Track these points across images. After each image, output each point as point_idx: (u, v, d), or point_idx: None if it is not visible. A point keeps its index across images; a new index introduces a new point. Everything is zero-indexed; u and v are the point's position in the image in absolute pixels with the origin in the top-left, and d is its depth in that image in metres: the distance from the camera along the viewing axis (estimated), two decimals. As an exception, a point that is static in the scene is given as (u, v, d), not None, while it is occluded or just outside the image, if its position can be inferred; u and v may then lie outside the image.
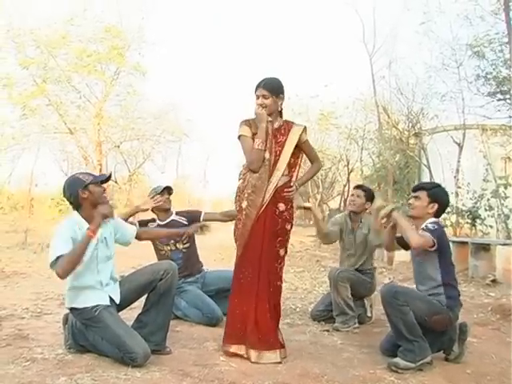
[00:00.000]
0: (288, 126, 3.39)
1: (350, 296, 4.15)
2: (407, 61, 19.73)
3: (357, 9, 20.56)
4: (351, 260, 4.38)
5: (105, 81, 15.10)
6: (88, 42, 14.67)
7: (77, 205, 3.13)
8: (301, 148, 3.41)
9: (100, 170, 15.31)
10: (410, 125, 13.61)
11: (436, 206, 3.32)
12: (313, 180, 17.11)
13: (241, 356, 3.18)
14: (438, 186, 3.51)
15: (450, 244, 7.61)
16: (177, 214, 4.44)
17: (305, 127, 3.46)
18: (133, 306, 3.45)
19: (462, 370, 3.14)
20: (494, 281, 6.28)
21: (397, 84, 13.50)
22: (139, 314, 3.29)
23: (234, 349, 3.21)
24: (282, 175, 3.29)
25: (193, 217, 4.40)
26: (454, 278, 3.36)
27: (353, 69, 34.04)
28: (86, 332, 3.06)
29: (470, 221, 9.58)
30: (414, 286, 3.48)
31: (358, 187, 4.53)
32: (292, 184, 3.33)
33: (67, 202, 3.23)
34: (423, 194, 3.35)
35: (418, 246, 3.13)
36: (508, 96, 10.50)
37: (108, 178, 3.33)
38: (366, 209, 4.37)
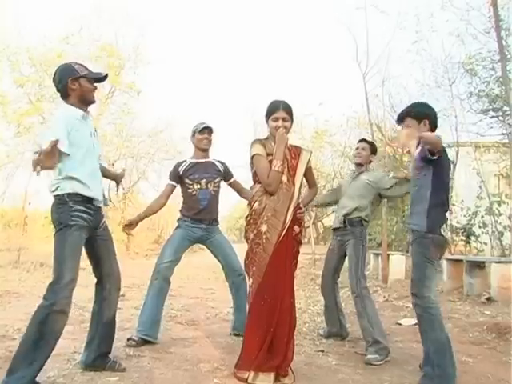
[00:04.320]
0: (296, 150, 3.39)
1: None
2: (400, 79, 19.93)
3: (350, 28, 20.76)
4: (342, 211, 4.23)
5: (99, 99, 15.15)
6: (83, 60, 14.72)
7: (64, 94, 2.96)
8: (304, 172, 3.40)
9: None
10: (404, 142, 13.65)
11: (427, 121, 3.23)
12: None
13: (241, 380, 3.06)
14: (417, 104, 3.43)
15: (445, 262, 7.61)
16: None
17: (311, 152, 3.51)
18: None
19: (458, 390, 3.10)
20: (489, 299, 6.26)
21: (390, 102, 13.60)
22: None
23: (242, 374, 3.09)
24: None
25: (228, 171, 4.43)
26: (445, 198, 3.19)
27: (346, 87, 34.33)
28: None
29: (464, 238, 9.60)
30: (410, 304, 3.45)
31: (362, 140, 4.49)
32: (301, 206, 3.34)
33: None
34: (409, 119, 3.24)
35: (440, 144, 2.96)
36: (500, 113, 10.60)
37: (104, 78, 3.11)
38: (371, 161, 4.41)
